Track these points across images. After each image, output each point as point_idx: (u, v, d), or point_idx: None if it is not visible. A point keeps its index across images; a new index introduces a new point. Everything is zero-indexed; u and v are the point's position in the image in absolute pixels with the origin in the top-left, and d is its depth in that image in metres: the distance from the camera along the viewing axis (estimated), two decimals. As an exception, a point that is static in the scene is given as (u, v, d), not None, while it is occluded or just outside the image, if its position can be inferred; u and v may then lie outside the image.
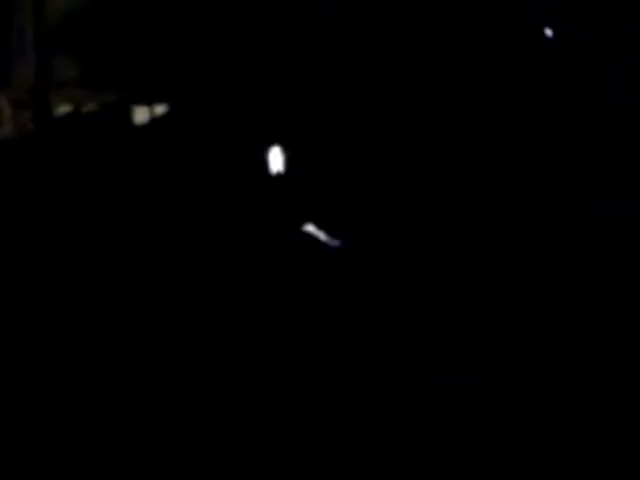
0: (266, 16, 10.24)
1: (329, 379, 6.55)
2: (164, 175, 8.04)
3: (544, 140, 9.62)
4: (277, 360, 6.68)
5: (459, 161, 10.74)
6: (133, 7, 8.71)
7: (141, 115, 9.00)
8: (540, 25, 11.46)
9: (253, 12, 10.19)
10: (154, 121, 9.21)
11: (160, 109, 8.75)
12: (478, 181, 10.61)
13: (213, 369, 6.69)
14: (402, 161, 10.31)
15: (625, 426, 5.46)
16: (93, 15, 9.23)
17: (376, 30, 10.50)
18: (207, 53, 8.74)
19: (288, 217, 7.81)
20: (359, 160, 9.71)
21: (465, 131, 10.74)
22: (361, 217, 8.58)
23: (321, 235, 7.98)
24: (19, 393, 6.60)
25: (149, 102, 8.95)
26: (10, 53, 10.44)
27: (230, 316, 7.06)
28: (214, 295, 7.32)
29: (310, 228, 8.18)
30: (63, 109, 10.38)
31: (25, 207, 8.27)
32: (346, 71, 10.87)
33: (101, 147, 9.14)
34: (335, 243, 8.18)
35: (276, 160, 8.68)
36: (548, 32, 10.71)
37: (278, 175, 8.60)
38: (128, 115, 9.08)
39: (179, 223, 7.82)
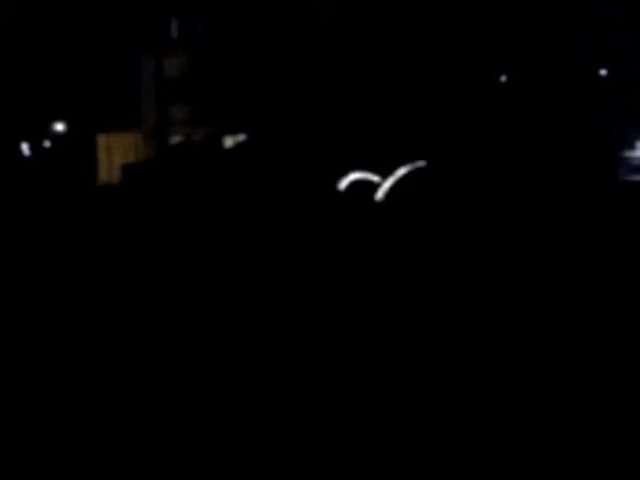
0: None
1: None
2: (244, 182, 12.43)
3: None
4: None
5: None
6: (219, 70, 15.03)
7: (229, 141, 15.57)
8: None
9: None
10: (238, 145, 15.33)
11: (241, 137, 14.91)
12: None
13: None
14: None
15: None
16: (194, 76, 16.00)
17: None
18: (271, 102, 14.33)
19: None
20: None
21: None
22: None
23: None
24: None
25: (234, 133, 15.54)
26: (141, 102, 17.19)
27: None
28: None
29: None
30: (177, 139, 16.99)
31: (155, 208, 11.95)
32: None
33: (203, 163, 14.19)
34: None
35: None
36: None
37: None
38: (220, 142, 15.50)
39: (250, 220, 10.85)
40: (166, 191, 14.71)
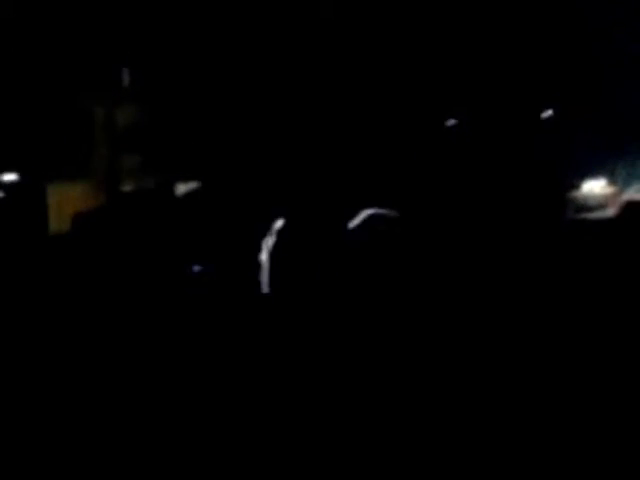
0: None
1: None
2: (194, 224, 12.42)
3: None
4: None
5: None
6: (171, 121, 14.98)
7: (181, 188, 15.58)
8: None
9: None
10: (189, 192, 15.36)
11: (193, 184, 14.98)
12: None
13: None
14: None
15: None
16: (146, 125, 15.96)
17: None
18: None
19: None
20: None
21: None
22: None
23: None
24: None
25: (186, 180, 15.61)
26: (92, 151, 17.04)
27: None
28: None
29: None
30: (128, 188, 16.96)
31: (104, 248, 11.86)
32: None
33: (154, 211, 14.14)
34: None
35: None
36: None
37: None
38: (172, 189, 15.49)
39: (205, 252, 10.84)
40: (116, 239, 14.65)
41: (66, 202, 20.62)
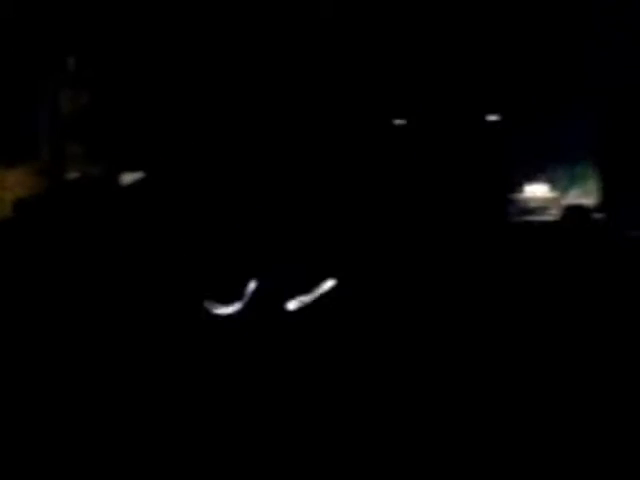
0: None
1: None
2: (141, 218, 12.44)
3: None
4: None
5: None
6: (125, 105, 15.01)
7: (127, 178, 15.58)
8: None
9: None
10: (135, 182, 15.29)
11: (138, 174, 14.95)
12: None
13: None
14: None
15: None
16: (92, 111, 15.83)
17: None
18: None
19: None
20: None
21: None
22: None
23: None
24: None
25: (132, 170, 15.58)
26: (36, 136, 17.04)
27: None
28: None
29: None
30: (72, 175, 16.86)
31: (44, 244, 11.87)
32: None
33: (98, 200, 14.18)
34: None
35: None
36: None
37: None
38: (117, 178, 15.47)
39: (155, 256, 10.79)
40: (58, 227, 14.47)
41: (7, 188, 20.25)
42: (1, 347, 6.93)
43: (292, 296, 9.51)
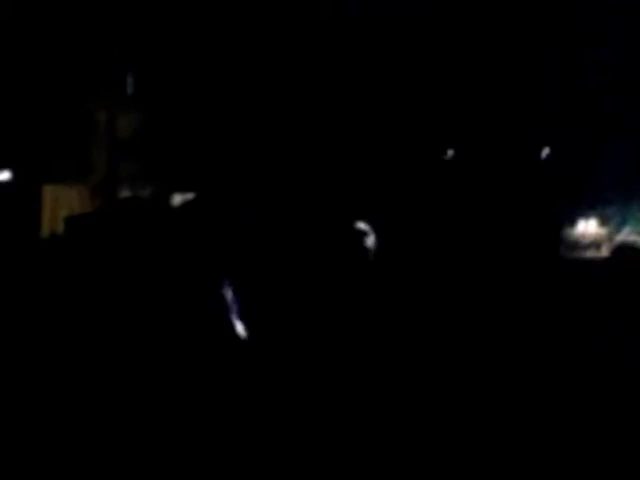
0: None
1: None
2: (188, 237, 12.13)
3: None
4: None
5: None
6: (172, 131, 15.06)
7: (178, 199, 15.65)
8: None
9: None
10: (186, 203, 14.88)
11: (189, 195, 14.83)
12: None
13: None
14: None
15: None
16: (146, 133, 15.94)
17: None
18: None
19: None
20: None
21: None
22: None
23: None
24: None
25: (183, 191, 15.62)
26: (90, 155, 17.09)
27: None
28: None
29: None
30: (125, 195, 17.01)
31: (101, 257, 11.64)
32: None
33: (150, 220, 13.96)
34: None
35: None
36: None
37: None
38: (168, 198, 15.57)
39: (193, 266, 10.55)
40: (109, 245, 14.58)
41: (61, 205, 20.56)
42: (46, 364, 6.78)
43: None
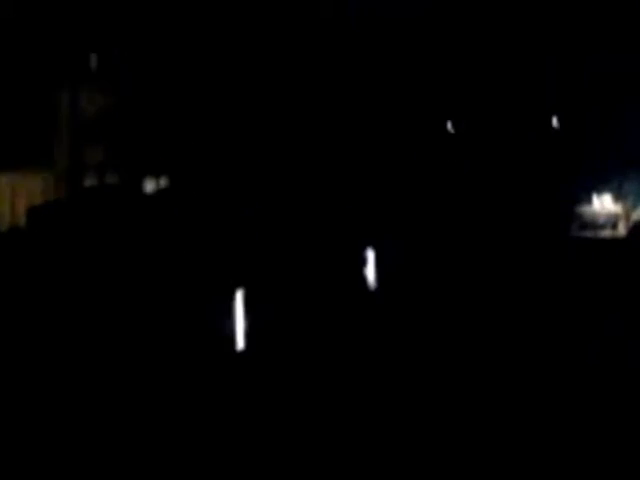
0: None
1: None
2: (165, 224, 11.15)
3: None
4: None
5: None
6: (145, 113, 13.39)
7: (150, 186, 13.69)
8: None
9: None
10: (160, 190, 13.64)
11: (163, 181, 13.19)
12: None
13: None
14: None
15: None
16: (114, 115, 14.13)
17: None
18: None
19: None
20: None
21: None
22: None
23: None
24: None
25: (155, 176, 13.67)
26: (53, 141, 15.30)
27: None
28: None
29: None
30: (90, 182, 15.10)
31: (64, 248, 10.81)
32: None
33: (119, 209, 12.57)
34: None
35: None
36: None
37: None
38: (140, 185, 13.67)
39: (174, 260, 9.80)
40: (75, 237, 13.35)
41: (21, 195, 19.09)
42: (12, 351, 6.67)
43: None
